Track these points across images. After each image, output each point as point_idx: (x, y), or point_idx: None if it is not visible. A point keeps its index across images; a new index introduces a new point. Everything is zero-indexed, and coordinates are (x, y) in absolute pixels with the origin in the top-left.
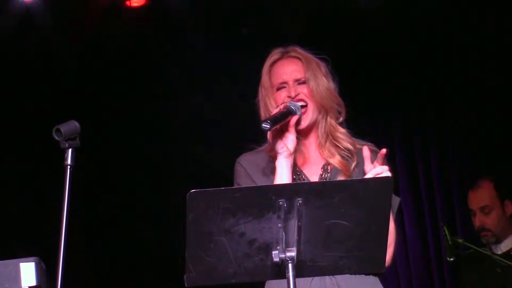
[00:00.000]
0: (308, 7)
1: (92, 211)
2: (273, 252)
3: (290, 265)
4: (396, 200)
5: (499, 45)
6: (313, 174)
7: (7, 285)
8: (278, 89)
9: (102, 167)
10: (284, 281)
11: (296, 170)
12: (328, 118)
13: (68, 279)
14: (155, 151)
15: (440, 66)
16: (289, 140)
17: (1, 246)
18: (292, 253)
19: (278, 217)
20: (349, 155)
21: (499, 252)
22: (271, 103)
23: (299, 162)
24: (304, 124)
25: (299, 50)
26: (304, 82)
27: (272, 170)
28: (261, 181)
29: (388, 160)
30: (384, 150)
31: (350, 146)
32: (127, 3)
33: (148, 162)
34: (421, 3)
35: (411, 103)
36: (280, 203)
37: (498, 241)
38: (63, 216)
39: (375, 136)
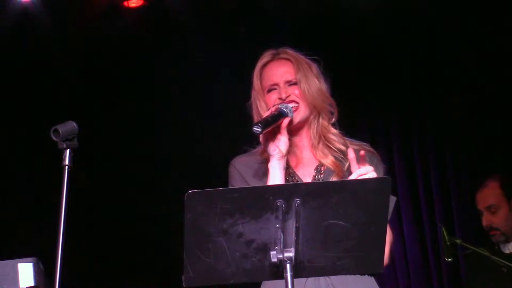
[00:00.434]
0: (307, 6)
1: (92, 211)
2: (271, 253)
3: (288, 265)
4: (392, 200)
5: (499, 45)
6: (306, 175)
7: (5, 286)
8: (269, 91)
9: (102, 167)
10: (280, 281)
11: (289, 171)
12: (320, 119)
13: (67, 279)
14: (155, 151)
15: (439, 66)
16: (282, 142)
17: None
18: (290, 253)
19: (276, 217)
20: (342, 156)
21: (507, 252)
22: (262, 106)
23: (292, 164)
24: (294, 122)
25: (290, 51)
26: (295, 84)
27: (265, 172)
28: (254, 183)
29: (387, 161)
30: (362, 152)
31: (342, 147)
32: (125, 3)
33: (148, 162)
34: (421, 3)
35: (409, 104)
36: (278, 203)
37: (507, 240)
38: (61, 217)
39: (373, 137)
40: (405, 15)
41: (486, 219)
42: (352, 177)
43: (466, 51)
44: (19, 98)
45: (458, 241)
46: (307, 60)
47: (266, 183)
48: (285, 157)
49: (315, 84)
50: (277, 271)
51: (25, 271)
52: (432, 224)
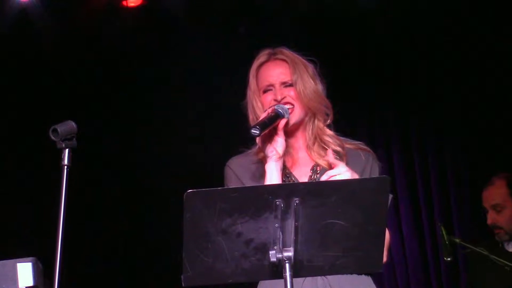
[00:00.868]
0: (307, 6)
1: (91, 210)
2: (270, 252)
3: (287, 265)
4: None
5: (498, 44)
6: (302, 175)
7: (4, 285)
8: (265, 91)
9: (102, 167)
10: (276, 281)
11: (285, 172)
12: (316, 121)
13: (66, 279)
14: (154, 151)
15: (438, 65)
16: (278, 143)
17: None
18: (289, 253)
19: (275, 217)
20: (337, 156)
21: (511, 250)
22: (258, 106)
23: (288, 164)
24: (289, 123)
25: (286, 51)
26: (290, 85)
27: (262, 173)
28: (250, 184)
29: (386, 160)
30: (331, 159)
31: (338, 148)
32: (124, 3)
33: (148, 162)
34: (421, 3)
35: (408, 103)
36: (277, 203)
37: (510, 238)
38: (60, 216)
39: (372, 136)
40: (405, 15)
41: (491, 218)
42: (322, 178)
43: (465, 50)
44: (18, 97)
45: (457, 240)
46: (304, 61)
47: (262, 183)
48: (282, 158)
49: (310, 85)
50: (276, 270)
51: (24, 271)
52: (431, 223)
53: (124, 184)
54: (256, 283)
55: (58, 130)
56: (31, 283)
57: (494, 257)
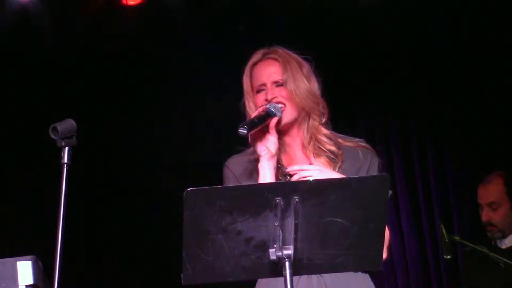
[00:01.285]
0: (307, 5)
1: (91, 209)
2: (270, 250)
3: (287, 263)
4: None
5: (498, 44)
6: None
7: (3, 284)
8: (258, 91)
9: (102, 167)
10: (274, 279)
11: (282, 171)
12: (311, 120)
13: (66, 277)
14: (154, 150)
15: (438, 64)
16: (271, 142)
17: None
18: (289, 251)
19: (275, 215)
20: (333, 156)
21: (503, 247)
22: (251, 106)
23: (285, 163)
24: (281, 122)
25: (280, 51)
26: (282, 84)
27: (257, 172)
28: (247, 183)
29: (385, 159)
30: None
31: (333, 148)
32: (123, 1)
33: (148, 161)
34: (421, 3)
35: (408, 102)
36: (277, 201)
37: (504, 236)
38: (60, 215)
39: (372, 134)
40: (405, 15)
41: (486, 215)
42: (293, 178)
43: (465, 49)
44: (18, 97)
45: (457, 238)
46: (299, 59)
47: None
48: (275, 157)
49: (303, 84)
50: (276, 268)
51: (24, 269)
52: (431, 222)
53: (124, 183)
54: (255, 281)
55: (58, 128)
56: (31, 282)
57: (494, 254)
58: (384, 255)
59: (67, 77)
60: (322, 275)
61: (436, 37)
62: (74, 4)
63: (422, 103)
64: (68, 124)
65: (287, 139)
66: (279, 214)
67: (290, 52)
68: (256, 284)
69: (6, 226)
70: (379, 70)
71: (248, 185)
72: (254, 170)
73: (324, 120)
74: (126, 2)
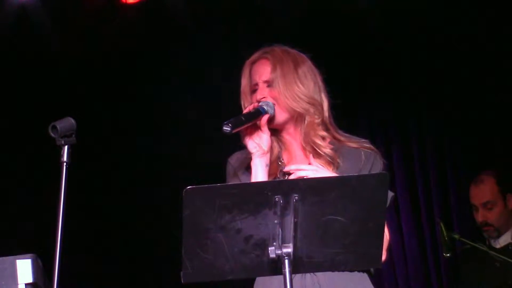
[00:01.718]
0: (307, 5)
1: (90, 208)
2: (269, 248)
3: (286, 261)
4: (389, 195)
5: (497, 44)
6: None
7: (3, 282)
8: (253, 91)
9: (101, 166)
10: (271, 277)
11: (281, 169)
12: (306, 120)
13: (65, 276)
14: (154, 149)
15: (438, 63)
16: (263, 139)
17: None
18: (288, 249)
19: (275, 213)
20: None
21: (498, 246)
22: (245, 106)
23: (286, 161)
24: (274, 121)
25: (276, 50)
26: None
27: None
28: (244, 179)
29: (385, 158)
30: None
31: (327, 151)
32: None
33: (147, 160)
34: (421, 3)
35: (408, 102)
36: (276, 199)
37: (499, 235)
38: (59, 213)
39: (372, 134)
40: (405, 14)
41: (482, 215)
42: (291, 177)
43: (464, 49)
44: (17, 96)
45: (456, 236)
46: (296, 59)
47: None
48: (268, 154)
49: (294, 85)
50: (275, 267)
51: (24, 267)
52: (430, 220)
53: (123, 182)
54: (253, 280)
55: (57, 127)
56: (30, 280)
57: (493, 253)
58: (383, 257)
59: (66, 77)
60: (316, 273)
61: (436, 37)
62: (73, 2)
63: (422, 103)
64: (67, 123)
65: (287, 137)
66: (278, 212)
67: (289, 51)
68: (255, 283)
69: (6, 224)
70: (379, 70)
71: (247, 183)
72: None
73: (319, 120)
74: (126, 0)
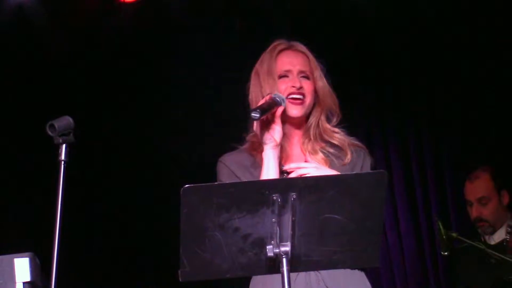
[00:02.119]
0: (307, 5)
1: (89, 206)
2: (267, 247)
3: (284, 259)
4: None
5: (498, 44)
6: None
7: (1, 281)
8: (280, 77)
9: (100, 164)
10: (270, 275)
11: (280, 168)
12: (322, 116)
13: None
14: (154, 149)
15: (435, 62)
16: (276, 131)
17: None
18: (286, 247)
19: (272, 212)
20: (335, 151)
21: (492, 243)
22: (271, 89)
23: (282, 160)
24: (298, 114)
25: (304, 46)
26: (306, 77)
27: (256, 168)
28: (245, 178)
29: (383, 156)
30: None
31: (341, 143)
32: None
33: (147, 160)
34: (421, 3)
35: (406, 102)
36: (274, 198)
37: (493, 231)
38: (57, 212)
39: (370, 133)
40: (405, 14)
41: (476, 211)
42: (291, 175)
43: (464, 49)
44: (16, 96)
45: (454, 234)
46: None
47: (257, 177)
48: (279, 147)
49: (325, 83)
50: (273, 265)
51: (22, 266)
52: (428, 218)
53: (123, 181)
54: (249, 278)
55: (55, 125)
56: (28, 279)
57: (491, 251)
58: None
59: (65, 75)
60: (320, 271)
61: (436, 37)
62: (71, 1)
63: (419, 102)
64: (65, 121)
65: (288, 136)
66: (276, 211)
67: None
68: (251, 281)
69: (4, 223)
70: (377, 70)
71: (245, 182)
72: (251, 166)
73: (334, 119)
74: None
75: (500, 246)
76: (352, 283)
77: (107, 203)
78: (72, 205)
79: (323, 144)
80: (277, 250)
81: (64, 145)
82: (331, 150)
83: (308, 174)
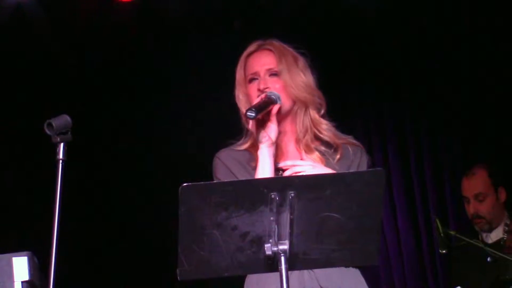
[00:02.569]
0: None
1: (87, 205)
2: (265, 245)
3: (282, 258)
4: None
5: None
6: None
7: None
8: (250, 80)
9: (99, 163)
10: (263, 274)
11: (276, 165)
12: (310, 112)
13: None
14: (154, 148)
15: (432, 59)
16: (271, 129)
17: None
18: (284, 246)
19: (271, 210)
20: (327, 149)
21: (490, 242)
22: (240, 96)
23: (277, 158)
24: (281, 111)
25: (275, 43)
26: (275, 74)
27: (251, 164)
28: (241, 175)
29: (381, 154)
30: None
31: (332, 139)
32: None
33: (146, 159)
34: (420, 3)
35: (404, 100)
36: (272, 196)
37: (491, 229)
38: (56, 210)
39: (368, 131)
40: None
41: (473, 207)
42: (286, 173)
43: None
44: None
45: (452, 232)
46: (294, 53)
47: (253, 174)
48: (274, 145)
49: (298, 76)
50: (271, 263)
51: (20, 265)
52: (426, 216)
53: (122, 180)
54: (244, 277)
55: (53, 124)
56: (26, 278)
57: (489, 249)
58: None
59: (65, 75)
60: (314, 270)
61: (436, 37)
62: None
63: (417, 101)
64: (63, 120)
65: (281, 133)
66: (274, 209)
67: (285, 45)
68: (246, 279)
69: (2, 222)
70: (376, 69)
71: (243, 180)
72: (247, 163)
73: (323, 112)
74: None
75: (497, 245)
76: (346, 280)
77: (106, 202)
78: (70, 204)
79: (317, 142)
80: (275, 249)
81: (62, 144)
82: (325, 148)
83: (303, 172)
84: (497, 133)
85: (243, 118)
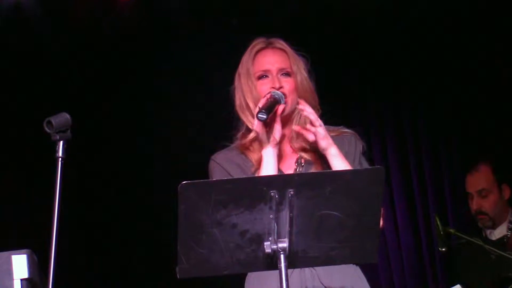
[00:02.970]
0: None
1: (89, 206)
2: (265, 243)
3: (282, 256)
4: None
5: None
6: (288, 168)
7: None
8: (260, 77)
9: (99, 162)
10: (263, 272)
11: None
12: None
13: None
14: (154, 148)
15: (430, 56)
16: (276, 130)
17: None
18: (284, 244)
19: (270, 208)
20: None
21: (493, 239)
22: (252, 92)
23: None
24: (284, 112)
25: (283, 42)
26: (287, 74)
27: (246, 165)
28: (237, 175)
29: (380, 151)
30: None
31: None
32: None
33: (145, 159)
34: (420, 3)
35: (403, 95)
36: (272, 194)
37: (494, 226)
38: (55, 208)
39: (367, 127)
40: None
41: (476, 203)
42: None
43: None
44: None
45: (451, 230)
46: (298, 55)
47: (250, 174)
48: (278, 145)
49: (307, 79)
50: (271, 261)
51: (19, 263)
52: (425, 214)
53: (122, 180)
54: (245, 274)
55: (53, 122)
56: (26, 275)
57: (489, 247)
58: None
59: (65, 75)
60: (315, 267)
61: (435, 37)
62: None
63: (417, 99)
64: (62, 118)
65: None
66: (274, 207)
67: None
68: (246, 277)
69: (1, 220)
70: (375, 69)
71: (243, 178)
72: (242, 164)
73: (319, 113)
74: None
75: (500, 242)
76: (347, 278)
77: (106, 201)
78: (70, 202)
79: (311, 141)
80: (275, 246)
81: (61, 142)
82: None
83: (316, 132)
84: (500, 129)
85: (244, 118)
